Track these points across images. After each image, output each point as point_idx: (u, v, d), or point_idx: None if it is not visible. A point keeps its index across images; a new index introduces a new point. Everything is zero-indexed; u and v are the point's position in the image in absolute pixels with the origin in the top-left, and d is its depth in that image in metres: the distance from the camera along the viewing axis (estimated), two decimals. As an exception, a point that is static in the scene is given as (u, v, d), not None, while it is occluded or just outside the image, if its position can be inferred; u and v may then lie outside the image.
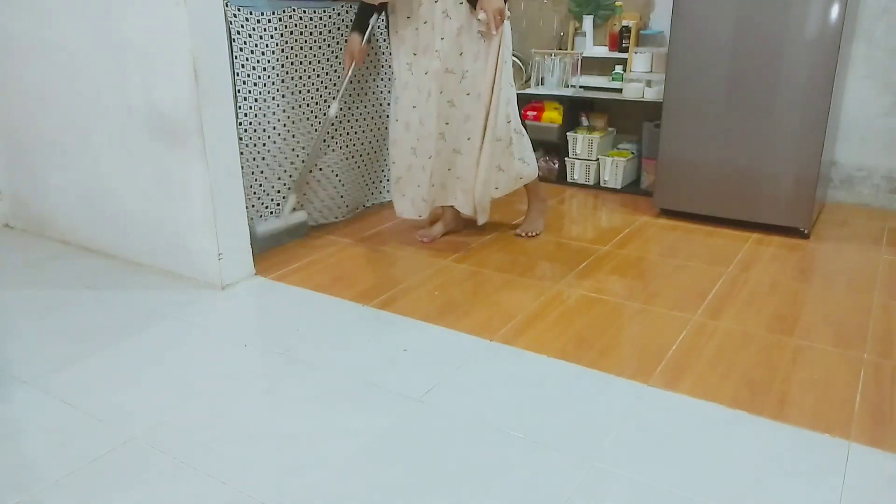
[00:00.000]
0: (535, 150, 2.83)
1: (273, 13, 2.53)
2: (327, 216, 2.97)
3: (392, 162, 2.77)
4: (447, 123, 2.64)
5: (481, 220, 2.79)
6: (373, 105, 3.05)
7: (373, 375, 1.86)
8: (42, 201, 2.93)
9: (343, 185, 2.97)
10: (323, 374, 1.88)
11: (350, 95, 2.93)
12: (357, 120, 2.98)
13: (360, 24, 2.68)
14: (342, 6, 2.82)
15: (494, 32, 2.46)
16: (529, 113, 3.77)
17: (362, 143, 3.04)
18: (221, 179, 2.35)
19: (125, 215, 2.63)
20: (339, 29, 2.82)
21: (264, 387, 1.83)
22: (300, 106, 2.71)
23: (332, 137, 2.88)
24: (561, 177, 3.79)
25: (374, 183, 3.19)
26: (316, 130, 2.80)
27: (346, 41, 2.84)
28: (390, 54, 2.80)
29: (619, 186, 3.63)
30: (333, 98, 2.79)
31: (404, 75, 2.64)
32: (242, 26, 2.42)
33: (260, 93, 2.53)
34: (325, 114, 2.82)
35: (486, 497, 1.41)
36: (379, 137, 3.12)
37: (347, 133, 2.95)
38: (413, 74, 2.62)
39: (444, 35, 2.53)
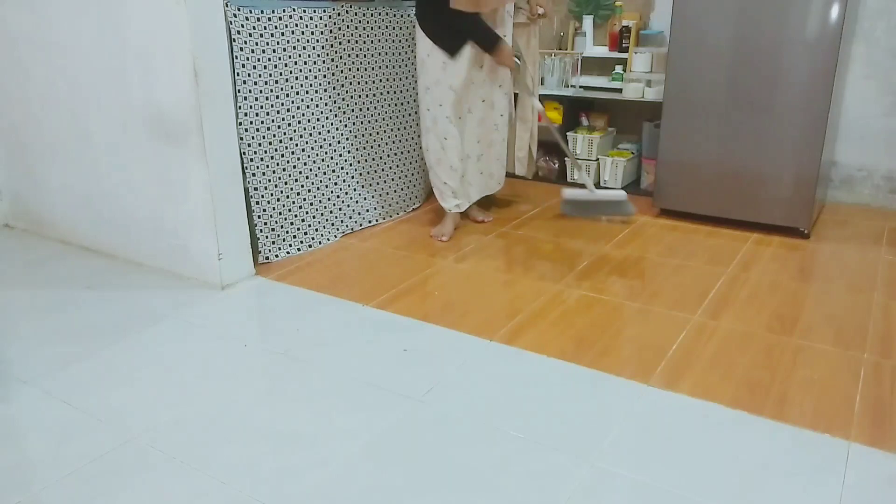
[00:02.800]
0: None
1: (273, 13, 2.53)
2: (367, 219, 3.03)
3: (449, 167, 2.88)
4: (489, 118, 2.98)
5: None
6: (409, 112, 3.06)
7: (373, 375, 1.86)
8: (42, 201, 2.93)
9: (379, 190, 3.01)
10: (323, 374, 1.88)
11: (387, 100, 3.02)
12: (399, 123, 2.98)
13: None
14: (342, 6, 2.81)
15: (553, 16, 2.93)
16: (529, 113, 3.77)
17: (405, 147, 3.09)
18: (221, 179, 2.35)
19: (125, 215, 2.63)
20: (339, 29, 2.82)
21: (264, 387, 1.83)
22: (300, 106, 2.71)
23: (371, 144, 2.88)
24: (561, 177, 3.79)
25: (412, 186, 3.21)
26: (317, 132, 2.80)
27: (346, 41, 2.84)
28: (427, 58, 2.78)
29: (619, 186, 3.63)
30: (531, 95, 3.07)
31: (466, 76, 2.78)
32: (242, 26, 2.42)
33: (261, 92, 2.53)
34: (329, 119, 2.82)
35: (486, 497, 1.41)
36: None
37: (391, 136, 2.95)
38: (475, 83, 2.82)
39: (507, 32, 2.80)
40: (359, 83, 2.96)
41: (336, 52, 2.83)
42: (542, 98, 3.75)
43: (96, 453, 1.56)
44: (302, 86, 2.70)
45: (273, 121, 2.60)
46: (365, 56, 2.97)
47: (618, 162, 3.59)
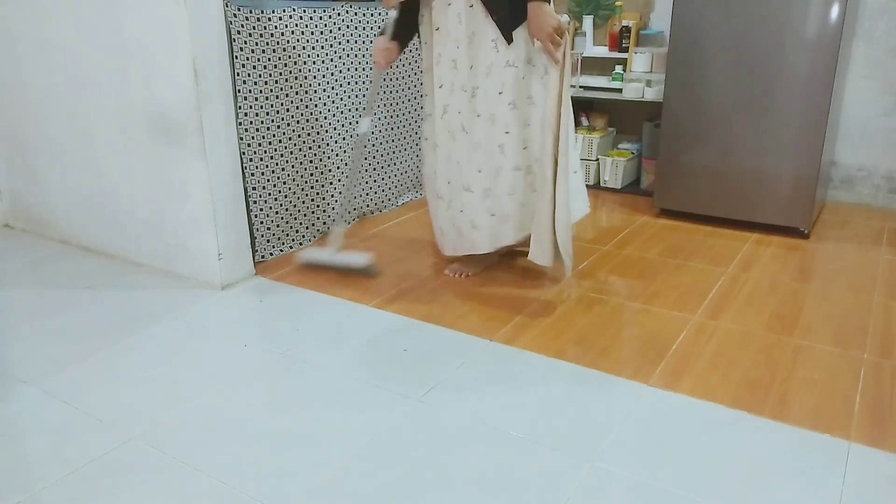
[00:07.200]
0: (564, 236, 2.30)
1: (273, 13, 2.53)
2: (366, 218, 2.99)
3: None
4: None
5: (569, 269, 2.28)
6: (398, 109, 3.05)
7: (373, 375, 1.86)
8: (42, 201, 2.93)
9: (352, 192, 2.98)
10: (323, 374, 1.88)
11: (386, 100, 2.94)
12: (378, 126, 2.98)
13: (394, 28, 2.32)
14: (342, 6, 2.82)
15: (557, 61, 2.06)
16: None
17: (378, 148, 3.04)
18: (221, 179, 2.35)
19: (125, 215, 2.63)
20: (339, 29, 2.82)
21: (264, 387, 1.83)
22: (300, 106, 2.71)
23: (341, 146, 2.88)
24: (561, 177, 3.78)
25: (382, 191, 3.19)
26: (316, 132, 2.80)
27: (346, 41, 2.84)
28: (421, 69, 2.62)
29: (619, 186, 3.63)
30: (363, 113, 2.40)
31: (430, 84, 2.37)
32: (242, 26, 2.42)
33: (261, 92, 2.53)
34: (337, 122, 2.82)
35: (485, 497, 1.41)
36: (397, 141, 3.12)
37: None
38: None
39: (460, 44, 2.21)
40: (358, 84, 2.96)
41: (336, 52, 2.83)
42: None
43: (96, 453, 1.56)
44: (301, 86, 2.70)
45: (273, 121, 2.60)
46: (364, 56, 2.97)
47: (618, 162, 3.59)
